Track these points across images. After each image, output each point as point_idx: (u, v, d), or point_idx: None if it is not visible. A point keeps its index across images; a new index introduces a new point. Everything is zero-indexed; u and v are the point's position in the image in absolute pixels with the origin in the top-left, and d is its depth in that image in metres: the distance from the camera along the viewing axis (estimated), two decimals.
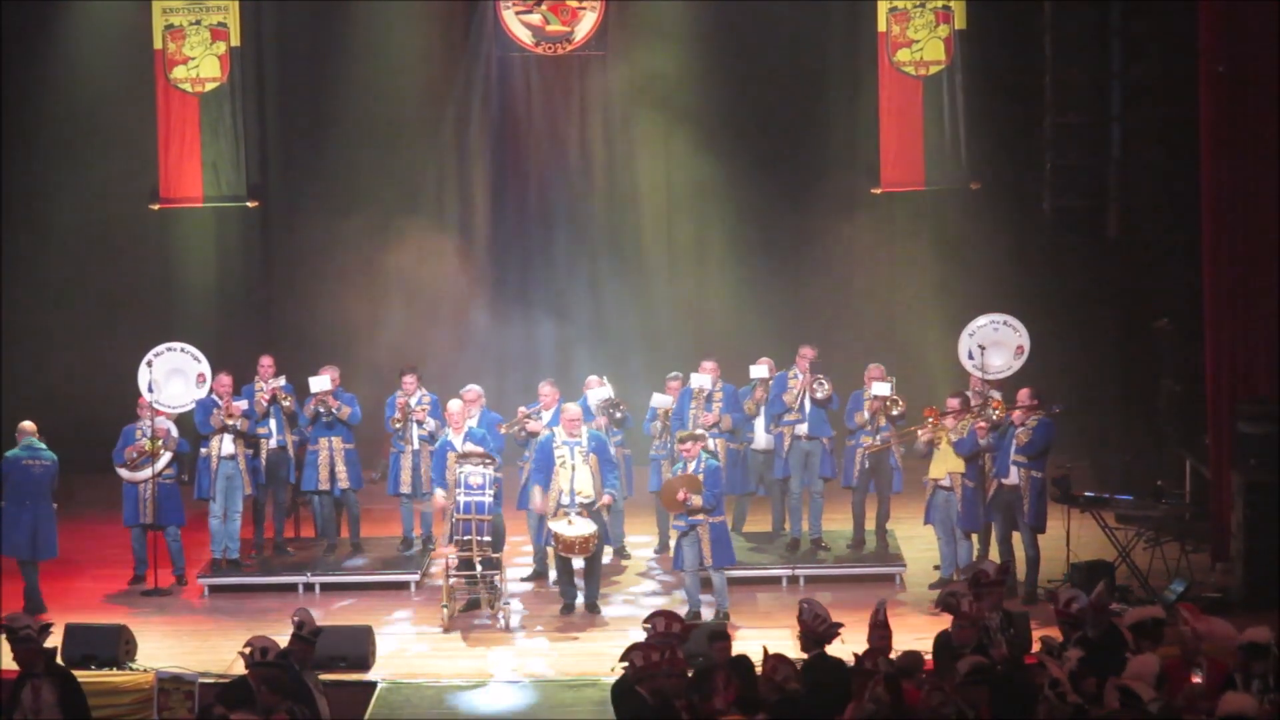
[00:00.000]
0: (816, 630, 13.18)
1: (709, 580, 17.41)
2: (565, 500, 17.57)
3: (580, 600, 17.80)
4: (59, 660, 15.31)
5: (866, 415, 18.85)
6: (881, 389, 18.78)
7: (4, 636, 13.41)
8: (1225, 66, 18.40)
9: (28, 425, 18.48)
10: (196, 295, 23.16)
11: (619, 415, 19.19)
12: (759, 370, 19.23)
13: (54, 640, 15.68)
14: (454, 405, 18.44)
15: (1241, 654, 12.33)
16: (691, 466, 17.13)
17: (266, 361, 19.38)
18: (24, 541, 18.25)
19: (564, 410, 18.10)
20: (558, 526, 17.35)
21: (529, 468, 18.64)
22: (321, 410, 19.06)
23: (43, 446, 18.37)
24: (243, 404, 18.79)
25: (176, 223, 23.11)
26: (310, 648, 13.15)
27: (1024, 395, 17.95)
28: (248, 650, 12.70)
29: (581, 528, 17.34)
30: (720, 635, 13.28)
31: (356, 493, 19.37)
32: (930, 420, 18.01)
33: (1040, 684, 11.94)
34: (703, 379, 19.12)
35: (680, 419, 19.19)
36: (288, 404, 19.13)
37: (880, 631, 13.22)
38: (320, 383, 19.04)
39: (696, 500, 17.07)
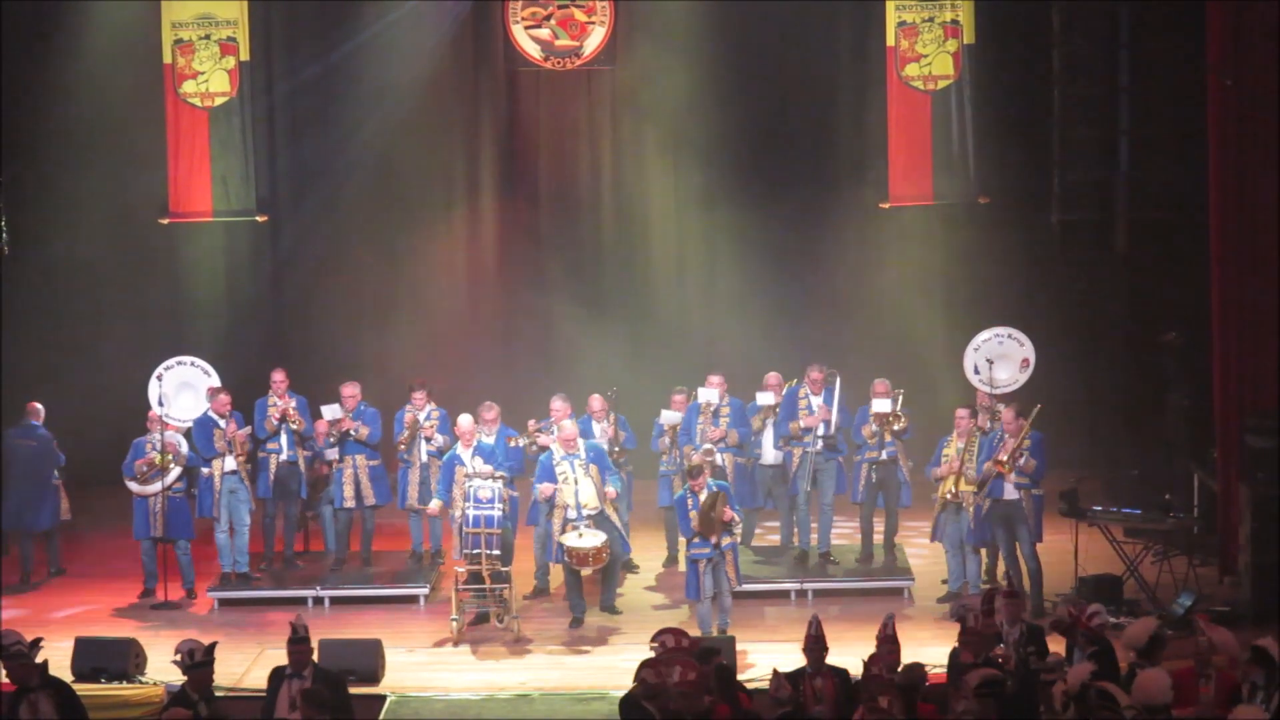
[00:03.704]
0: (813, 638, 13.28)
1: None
2: (571, 514, 17.57)
3: (584, 608, 17.83)
4: (68, 672, 15.50)
5: (874, 427, 18.85)
6: (882, 406, 18.77)
7: None
8: (1233, 80, 18.42)
9: (33, 406, 19.67)
10: (206, 309, 23.19)
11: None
12: (765, 398, 19.19)
13: (64, 653, 15.91)
14: (464, 420, 18.45)
15: (1246, 662, 12.35)
16: (703, 496, 17.03)
17: (279, 376, 19.36)
18: (14, 513, 19.54)
19: (560, 429, 18.11)
20: (568, 540, 17.36)
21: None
22: (335, 436, 19.06)
23: (38, 425, 19.51)
24: (245, 431, 18.78)
25: (186, 237, 23.15)
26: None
27: (1009, 416, 17.88)
28: (178, 657, 13.16)
29: (591, 540, 17.35)
30: (714, 651, 13.29)
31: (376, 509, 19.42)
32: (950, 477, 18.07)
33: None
34: (710, 393, 19.11)
35: (688, 434, 19.20)
36: (296, 426, 19.13)
37: (889, 645, 13.26)
38: (332, 411, 19.03)
39: (731, 513, 17.02)
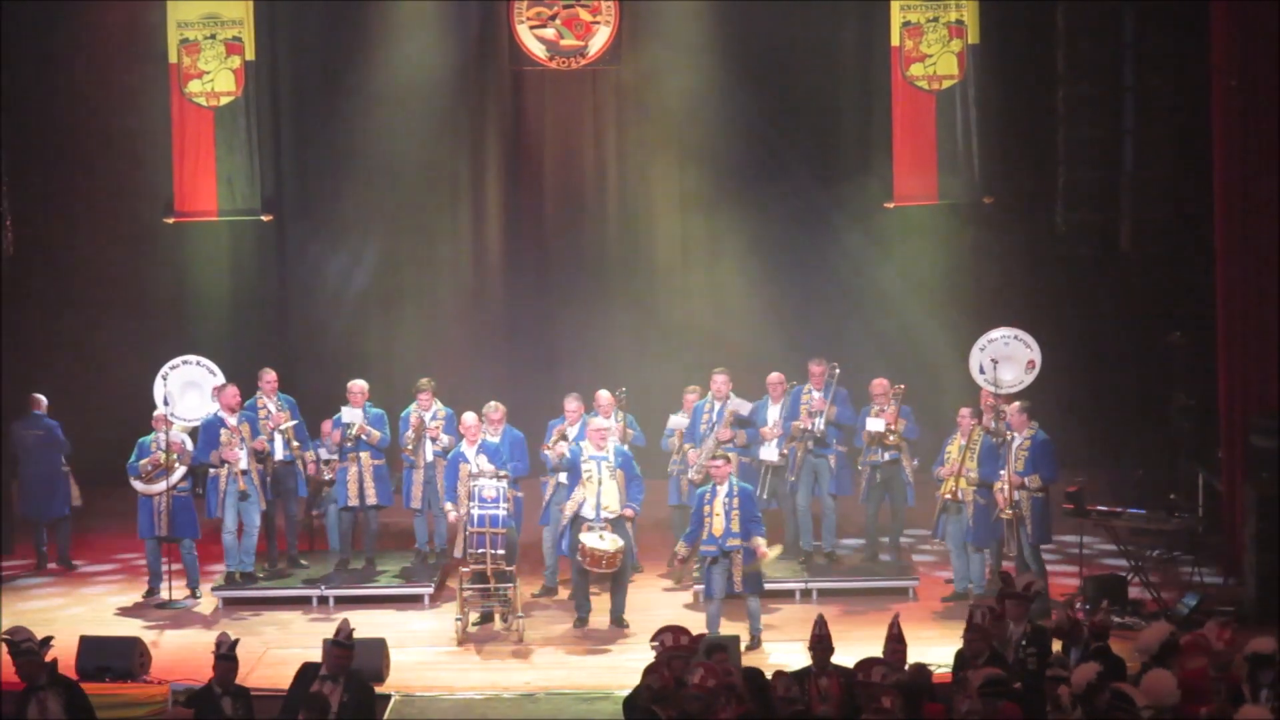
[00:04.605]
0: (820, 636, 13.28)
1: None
2: (590, 514, 17.54)
3: (589, 608, 17.80)
4: (71, 671, 15.49)
5: (870, 433, 18.91)
6: (875, 425, 18.79)
7: (6, 650, 13.42)
8: (1237, 80, 18.43)
9: (35, 397, 20.32)
10: (211, 308, 23.19)
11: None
12: (769, 452, 19.15)
13: (69, 653, 15.90)
14: (469, 418, 18.44)
15: (1247, 665, 12.34)
16: (723, 490, 16.96)
17: (270, 376, 19.32)
18: (27, 502, 20.31)
19: (589, 423, 18.12)
20: (587, 539, 17.32)
21: (553, 482, 18.66)
22: (350, 442, 19.03)
23: (42, 415, 20.20)
24: (248, 449, 18.80)
25: (191, 236, 23.15)
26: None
27: (1014, 409, 17.92)
28: (215, 649, 13.33)
29: (610, 543, 17.32)
30: (719, 647, 13.31)
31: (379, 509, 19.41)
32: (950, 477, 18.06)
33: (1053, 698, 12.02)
34: (739, 402, 19.07)
35: (692, 434, 19.19)
36: (297, 446, 19.14)
37: (895, 645, 13.27)
38: (351, 415, 19.01)
39: (761, 542, 16.86)
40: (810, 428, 18.95)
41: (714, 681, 12.11)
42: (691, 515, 17.33)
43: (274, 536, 19.50)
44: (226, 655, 13.24)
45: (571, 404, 18.92)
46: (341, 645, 13.44)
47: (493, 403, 18.87)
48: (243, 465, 18.60)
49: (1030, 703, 12.39)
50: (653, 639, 13.33)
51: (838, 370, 19.12)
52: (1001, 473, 17.63)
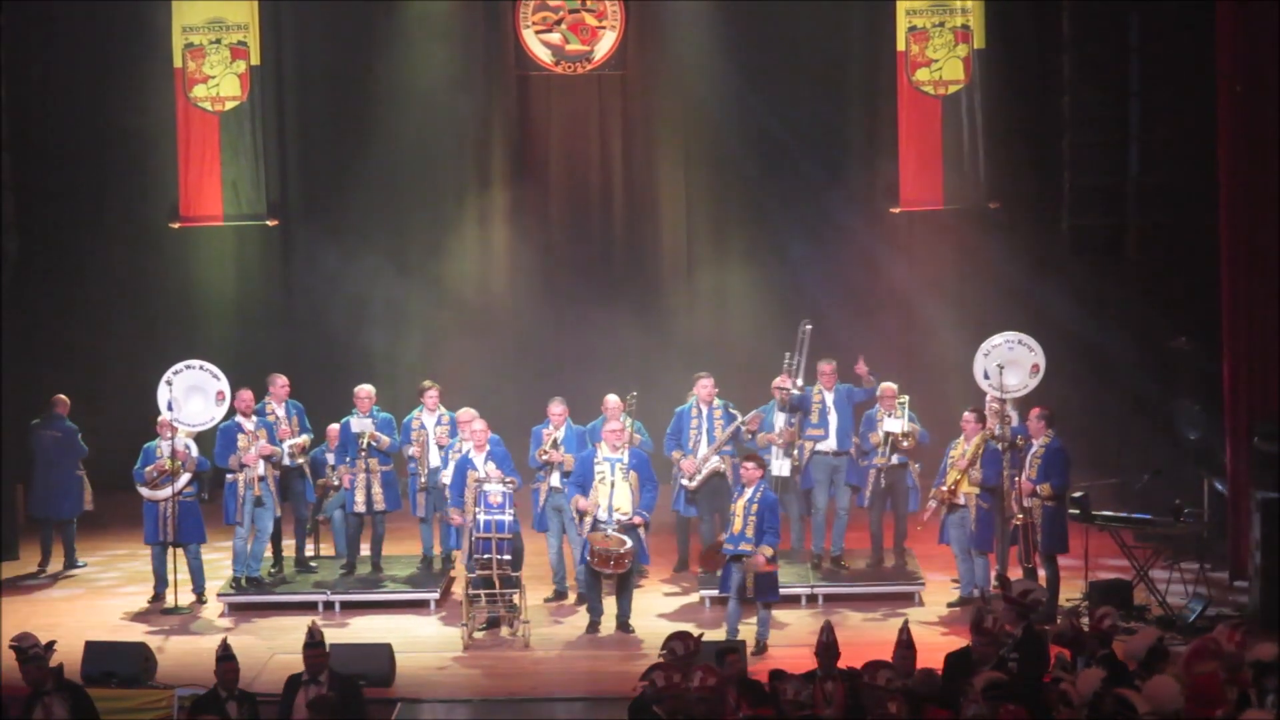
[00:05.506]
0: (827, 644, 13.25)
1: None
2: (603, 516, 17.49)
3: (606, 617, 17.76)
4: (76, 677, 15.51)
5: (880, 435, 18.85)
6: (892, 425, 18.74)
7: (14, 656, 13.44)
8: (1243, 86, 18.42)
9: (58, 398, 20.50)
10: (216, 313, 23.24)
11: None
12: (781, 467, 19.10)
13: (73, 657, 15.91)
14: (477, 424, 18.40)
15: (1251, 671, 12.31)
16: (748, 493, 16.84)
17: (281, 381, 19.30)
18: (39, 501, 20.43)
19: (606, 424, 18.08)
20: (596, 539, 17.29)
21: (544, 487, 18.65)
22: (364, 449, 18.99)
23: (63, 417, 20.34)
24: (270, 450, 18.78)
25: (196, 241, 23.19)
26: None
27: (1032, 416, 17.91)
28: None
29: (619, 544, 17.29)
30: (730, 649, 13.29)
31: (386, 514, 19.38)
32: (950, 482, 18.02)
33: (1053, 701, 11.99)
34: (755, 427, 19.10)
35: (677, 438, 19.14)
36: (304, 462, 19.15)
37: (905, 651, 13.24)
38: (362, 424, 18.97)
39: (767, 552, 16.76)
40: (789, 387, 18.88)
41: (714, 680, 12.11)
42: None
43: (280, 540, 19.49)
44: (226, 656, 13.27)
45: (556, 408, 18.84)
46: (313, 646, 13.49)
47: (465, 408, 18.79)
48: (260, 471, 18.62)
49: (1029, 706, 12.35)
50: (662, 647, 13.30)
51: (809, 328, 19.04)
52: (1017, 479, 17.60)
